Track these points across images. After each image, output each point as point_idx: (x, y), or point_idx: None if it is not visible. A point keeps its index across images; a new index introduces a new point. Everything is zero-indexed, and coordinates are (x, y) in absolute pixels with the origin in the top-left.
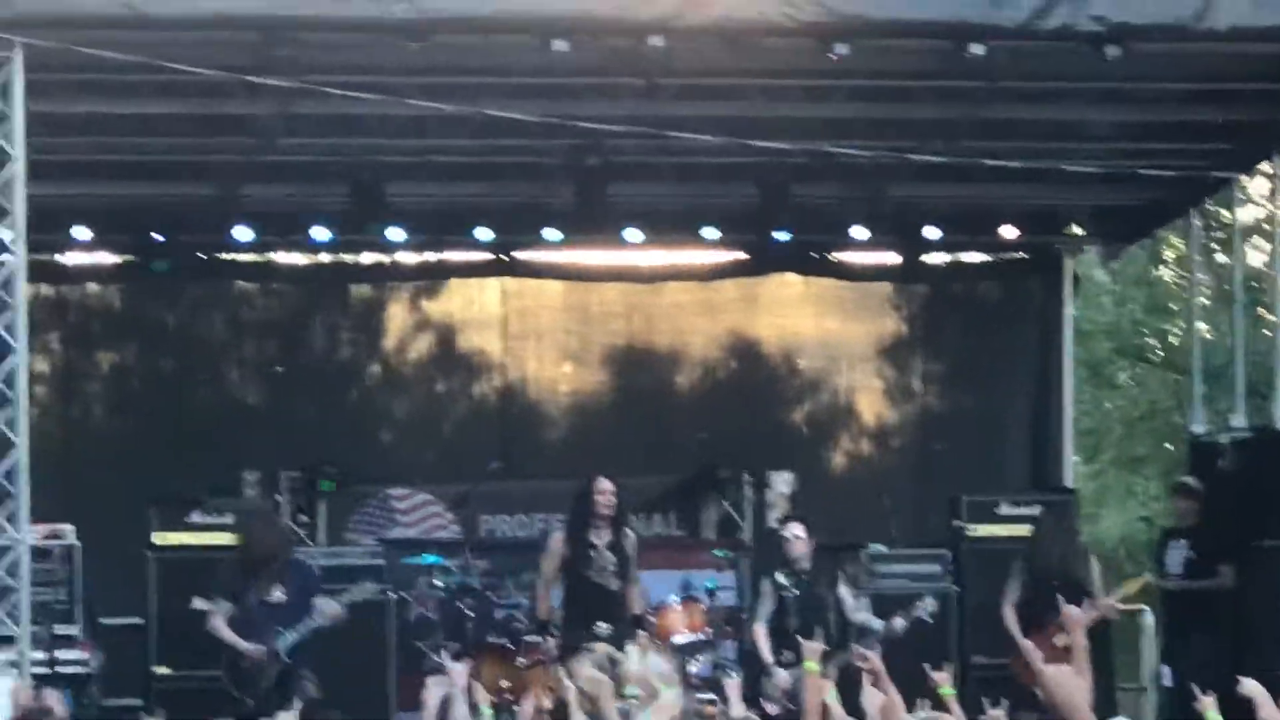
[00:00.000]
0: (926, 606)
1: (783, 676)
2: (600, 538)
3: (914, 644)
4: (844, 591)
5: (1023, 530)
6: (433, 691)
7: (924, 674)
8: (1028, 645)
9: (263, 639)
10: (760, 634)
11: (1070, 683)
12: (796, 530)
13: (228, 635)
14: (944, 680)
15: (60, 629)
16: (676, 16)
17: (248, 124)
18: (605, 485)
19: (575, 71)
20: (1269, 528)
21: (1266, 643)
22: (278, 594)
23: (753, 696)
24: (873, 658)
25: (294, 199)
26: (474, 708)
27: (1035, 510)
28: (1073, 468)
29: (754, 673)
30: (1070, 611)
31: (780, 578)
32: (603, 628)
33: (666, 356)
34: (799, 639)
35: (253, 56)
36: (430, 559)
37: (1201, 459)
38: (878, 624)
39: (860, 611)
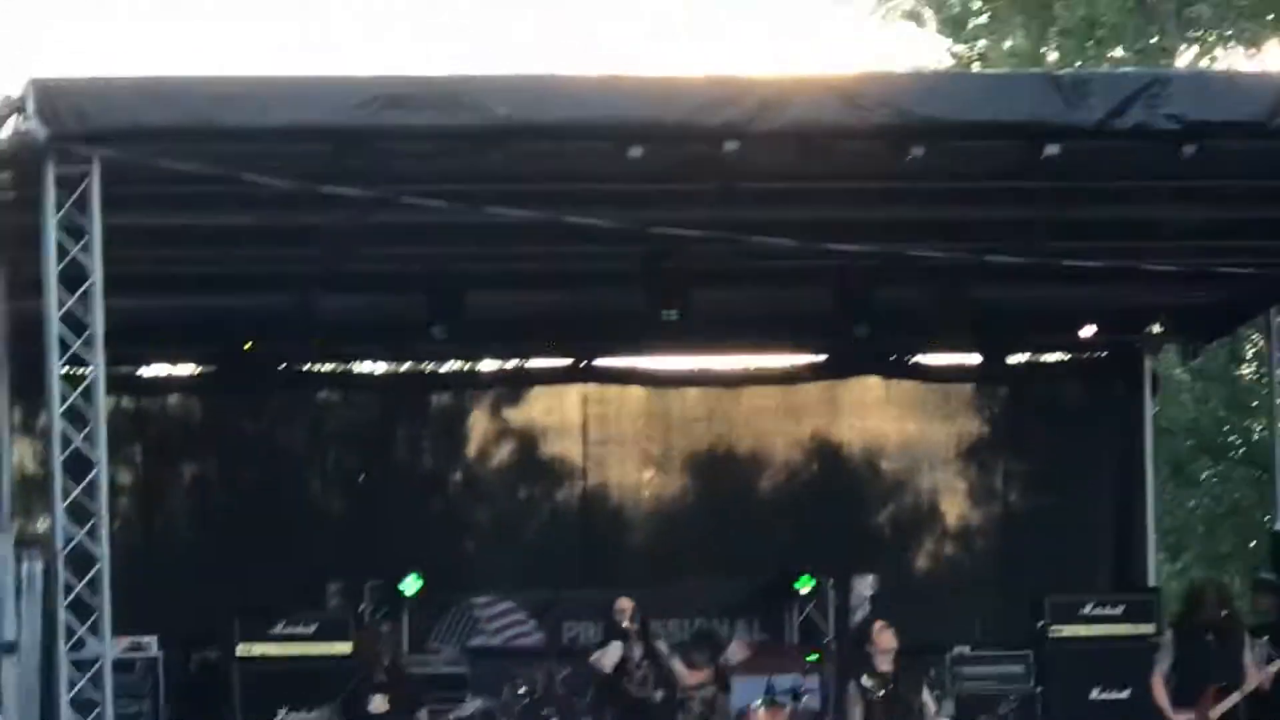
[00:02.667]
0: (1010, 706)
1: None
2: (633, 653)
3: None
4: (927, 696)
5: (1108, 630)
6: None
7: None
8: (1179, 716)
9: None
10: None
11: None
12: (882, 630)
13: None
14: None
15: None
16: (750, 121)
17: (324, 234)
18: (625, 603)
19: (651, 177)
20: None
21: None
22: (379, 702)
23: None
24: None
25: (373, 308)
26: None
27: (1119, 610)
28: (1156, 566)
29: None
30: (1250, 666)
31: (865, 681)
32: None
33: (748, 460)
34: None
35: (326, 166)
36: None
37: None
38: None
39: (942, 716)
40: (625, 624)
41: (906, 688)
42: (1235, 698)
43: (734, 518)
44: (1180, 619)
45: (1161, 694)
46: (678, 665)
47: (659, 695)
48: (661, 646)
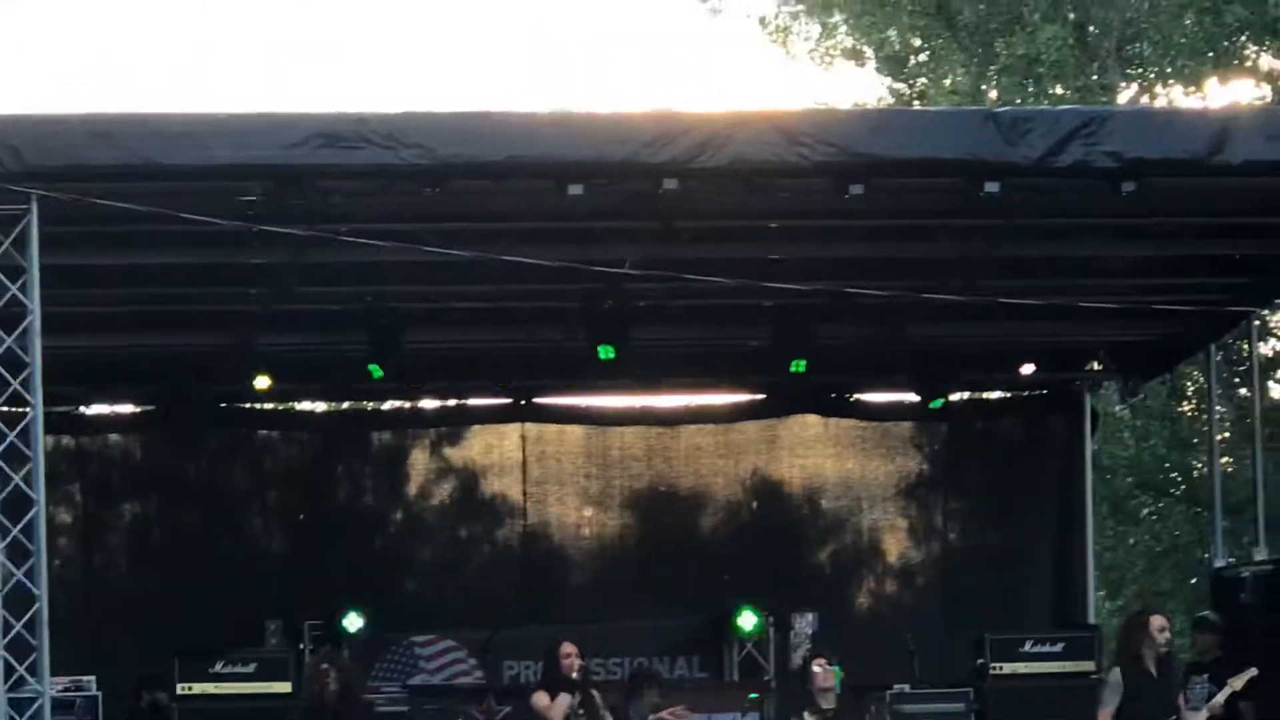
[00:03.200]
0: None
1: None
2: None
3: None
4: None
5: (1048, 667)
6: None
7: None
8: None
9: None
10: None
11: None
12: (823, 667)
13: None
14: None
15: None
16: (690, 159)
17: (264, 273)
18: (570, 648)
19: (591, 215)
20: None
21: None
22: None
23: None
24: None
25: (312, 347)
26: None
27: (1059, 648)
28: (1096, 604)
29: None
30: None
31: (807, 717)
32: None
33: (688, 498)
34: None
35: (266, 205)
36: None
37: (1224, 593)
38: None
39: None
40: (574, 675)
41: None
42: None
43: (674, 556)
44: (1122, 653)
45: None
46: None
47: None
48: (597, 698)
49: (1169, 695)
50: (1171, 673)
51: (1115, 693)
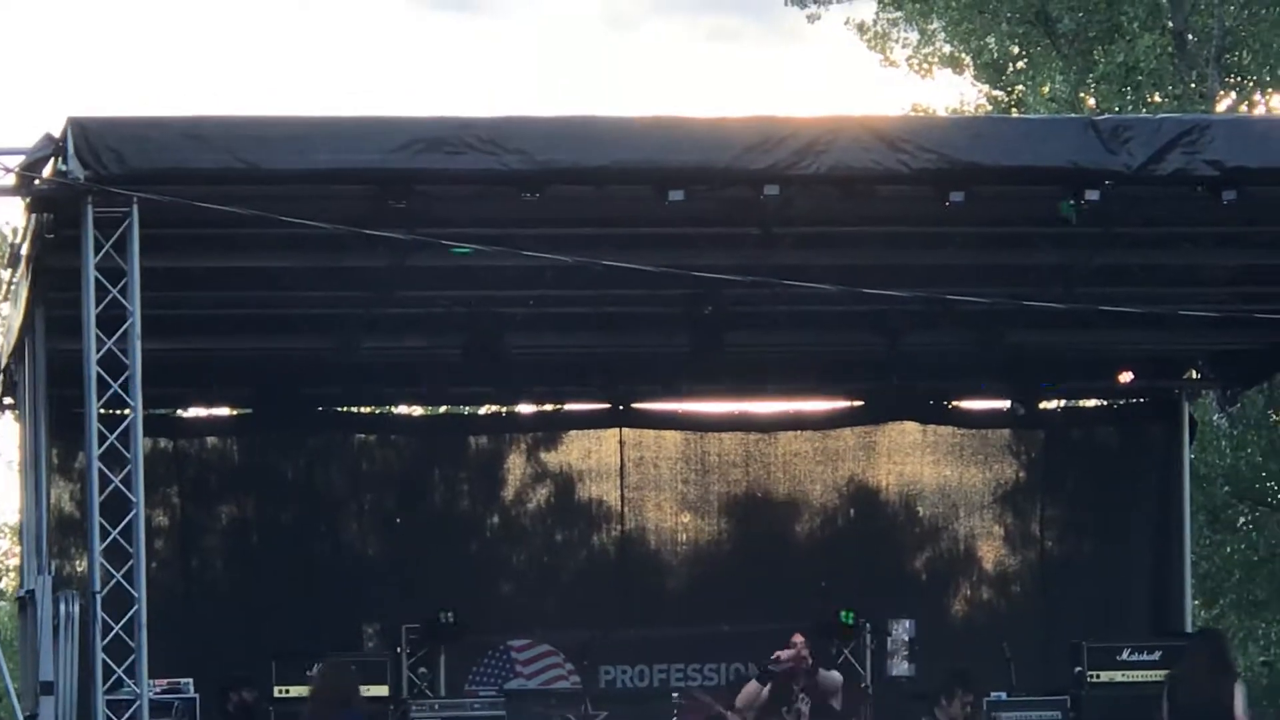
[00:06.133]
0: None
1: None
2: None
3: None
4: None
5: (1144, 675)
6: None
7: None
8: None
9: None
10: None
11: None
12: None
13: None
14: None
15: None
16: (790, 166)
17: (364, 277)
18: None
19: (691, 221)
20: None
21: None
22: None
23: None
24: None
25: (413, 351)
26: None
27: (1155, 656)
28: (1192, 612)
29: None
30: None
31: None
32: None
33: (785, 505)
34: None
35: (368, 209)
36: None
37: None
38: None
39: None
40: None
41: None
42: None
43: (771, 562)
44: (1176, 670)
45: None
46: None
47: None
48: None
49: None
50: (1223, 687)
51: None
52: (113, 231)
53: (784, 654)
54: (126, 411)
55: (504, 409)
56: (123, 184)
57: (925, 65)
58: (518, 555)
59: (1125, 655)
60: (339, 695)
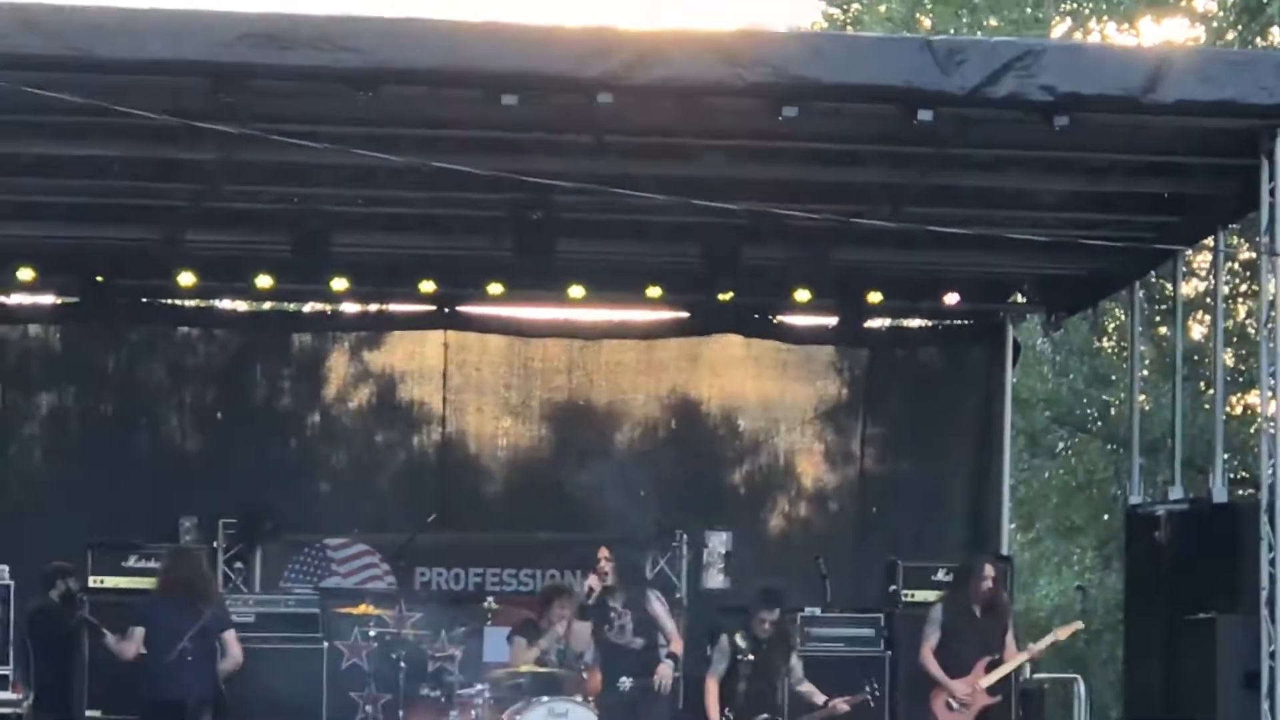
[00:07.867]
0: (873, 690)
1: None
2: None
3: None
4: (795, 662)
5: None
6: None
7: None
8: (954, 685)
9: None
10: (711, 689)
11: None
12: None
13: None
14: None
15: None
16: (625, 74)
17: (193, 169)
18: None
19: (523, 126)
20: (1203, 601)
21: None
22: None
23: None
24: None
25: (238, 246)
26: None
27: None
28: (1009, 535)
29: None
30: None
31: (739, 640)
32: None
33: (606, 414)
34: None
35: (200, 102)
36: None
37: (1138, 530)
38: (820, 699)
39: (804, 683)
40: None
41: (778, 653)
42: (1002, 671)
43: (590, 471)
44: (950, 593)
45: (934, 664)
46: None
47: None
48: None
49: (992, 632)
50: (996, 612)
51: (935, 627)
52: None
53: (593, 582)
54: None
55: (329, 307)
56: None
57: None
58: (337, 455)
59: (940, 575)
60: (191, 588)
